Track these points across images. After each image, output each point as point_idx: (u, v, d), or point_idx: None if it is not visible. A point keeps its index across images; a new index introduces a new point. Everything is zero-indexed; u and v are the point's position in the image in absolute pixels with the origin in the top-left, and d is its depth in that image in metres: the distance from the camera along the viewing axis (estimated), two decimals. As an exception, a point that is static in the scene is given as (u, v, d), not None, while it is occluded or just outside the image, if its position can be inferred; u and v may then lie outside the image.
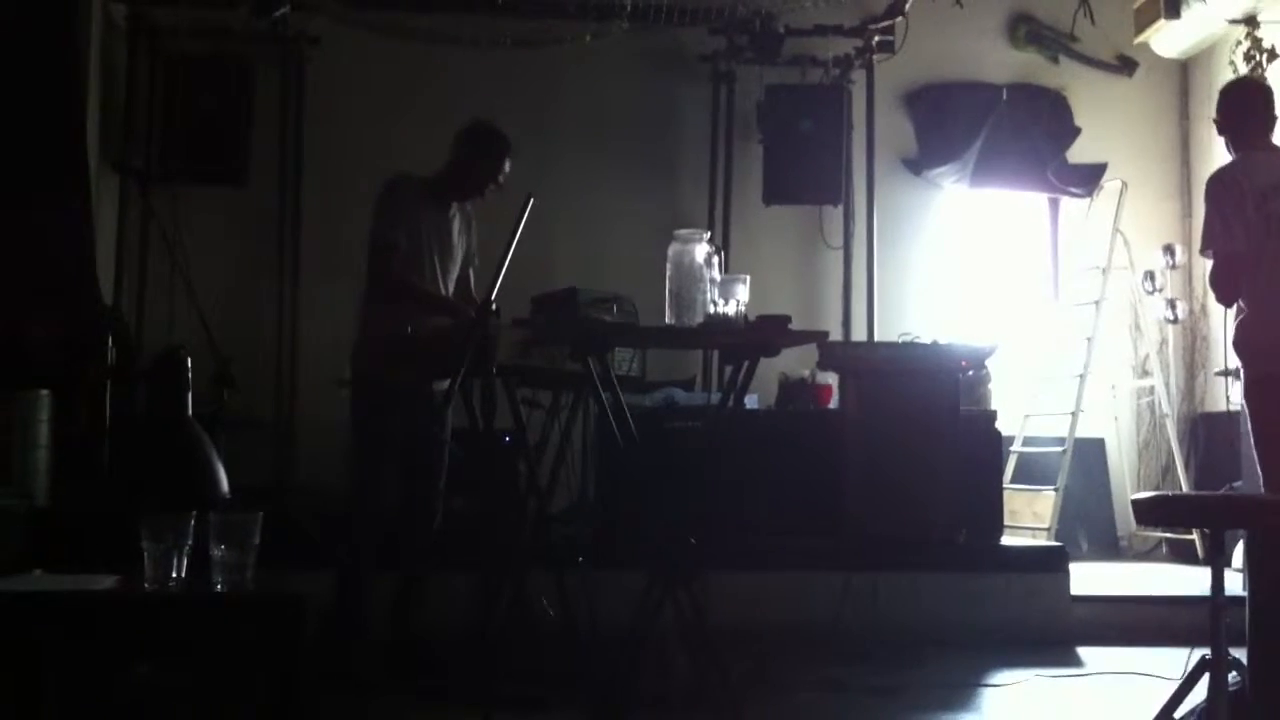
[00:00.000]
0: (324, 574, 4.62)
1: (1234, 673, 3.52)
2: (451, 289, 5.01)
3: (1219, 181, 4.56)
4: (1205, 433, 8.04)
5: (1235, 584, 3.65)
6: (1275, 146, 4.70)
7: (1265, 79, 5.49)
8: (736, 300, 4.21)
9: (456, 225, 5.02)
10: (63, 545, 4.19)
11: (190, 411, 4.78)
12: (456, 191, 5.00)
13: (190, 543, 2.84)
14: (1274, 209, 4.45)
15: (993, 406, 6.75)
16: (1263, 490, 4.49)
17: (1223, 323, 4.83)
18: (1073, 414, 7.77)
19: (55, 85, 6.10)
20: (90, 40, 6.69)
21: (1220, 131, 4.75)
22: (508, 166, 4.95)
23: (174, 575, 2.81)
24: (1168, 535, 7.82)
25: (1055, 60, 8.60)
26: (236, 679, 2.81)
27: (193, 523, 2.84)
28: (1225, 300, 4.60)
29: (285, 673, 2.79)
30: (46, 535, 4.48)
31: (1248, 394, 4.54)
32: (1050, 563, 6.05)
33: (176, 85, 7.40)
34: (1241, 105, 4.71)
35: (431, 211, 4.93)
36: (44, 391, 5.22)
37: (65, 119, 6.15)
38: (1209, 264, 4.63)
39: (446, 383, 4.73)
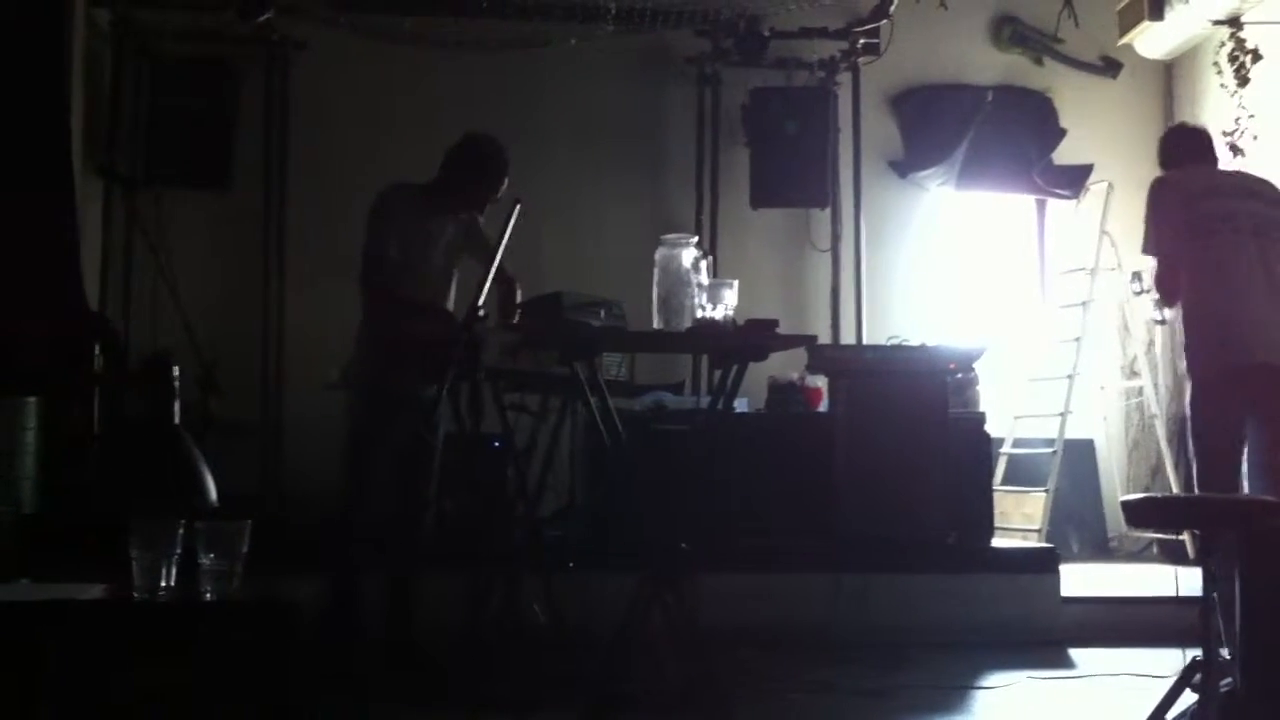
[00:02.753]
0: (316, 578, 4.61)
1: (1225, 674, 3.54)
2: (450, 298, 5.00)
3: (1155, 188, 4.89)
4: (1194, 433, 8.04)
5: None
6: (1213, 164, 4.99)
7: (1202, 126, 5.71)
8: (724, 305, 4.20)
9: (447, 234, 4.99)
10: (50, 553, 4.17)
11: (177, 418, 4.75)
12: (455, 205, 4.97)
13: (179, 551, 2.82)
14: (1205, 210, 4.74)
15: (982, 408, 6.75)
16: (1197, 487, 4.70)
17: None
18: (1062, 415, 7.78)
19: (39, 89, 6.07)
20: (74, 44, 6.64)
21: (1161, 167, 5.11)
22: (506, 184, 4.93)
23: (163, 584, 2.79)
24: (1158, 536, 7.83)
25: (1040, 62, 8.62)
26: (229, 687, 2.79)
27: (181, 531, 2.82)
28: (1166, 300, 4.95)
29: (278, 679, 2.78)
30: (34, 543, 4.45)
31: (1192, 390, 4.82)
32: (1041, 564, 6.06)
33: (161, 89, 7.38)
34: (1180, 148, 5.09)
35: (425, 220, 4.90)
36: (31, 398, 5.19)
37: (49, 123, 6.12)
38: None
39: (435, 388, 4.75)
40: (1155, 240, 4.83)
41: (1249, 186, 4.95)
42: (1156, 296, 5.05)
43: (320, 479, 5.36)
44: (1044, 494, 7.52)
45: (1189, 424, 4.88)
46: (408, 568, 4.86)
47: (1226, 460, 4.79)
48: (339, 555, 4.77)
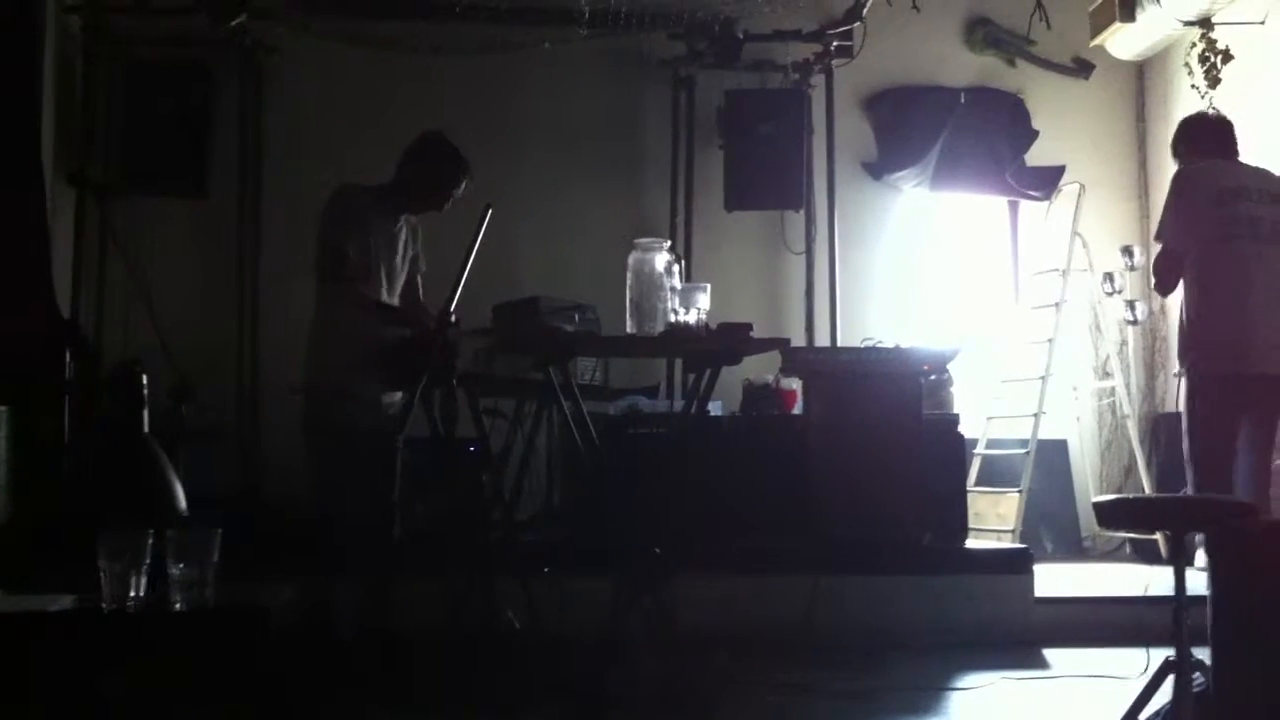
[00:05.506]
0: (292, 582, 4.58)
1: (1198, 673, 3.55)
2: (397, 299, 4.97)
3: (1183, 178, 4.98)
4: (1166, 433, 8.07)
5: (1197, 583, 3.69)
6: (1237, 157, 5.00)
7: (1220, 112, 5.72)
8: (697, 309, 4.22)
9: (403, 236, 4.98)
10: (19, 563, 4.14)
11: (147, 427, 4.72)
12: (414, 206, 4.95)
13: (148, 561, 2.81)
14: (1230, 213, 4.74)
15: (955, 409, 6.79)
16: (1191, 488, 4.73)
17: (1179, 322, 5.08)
18: (1035, 416, 7.81)
19: (10, 96, 6.03)
20: (45, 50, 6.60)
21: (1176, 156, 5.13)
22: (464, 186, 4.91)
23: (132, 594, 2.78)
24: (1131, 535, 7.86)
25: (1013, 63, 8.66)
26: (201, 694, 2.78)
27: (150, 541, 2.81)
28: (1163, 289, 5.05)
29: (251, 684, 2.77)
30: (3, 552, 4.42)
31: (1189, 391, 4.83)
32: (1014, 564, 6.06)
33: (134, 95, 7.34)
34: (1205, 140, 5.16)
35: (380, 222, 4.88)
36: (1, 406, 5.15)
37: (20, 130, 6.07)
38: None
39: (399, 394, 4.73)
40: (1170, 230, 4.92)
41: (1273, 190, 4.99)
42: (1152, 282, 5.11)
43: (298, 482, 5.35)
44: (1018, 494, 7.55)
45: (1184, 423, 4.92)
46: (381, 572, 4.82)
47: (1222, 460, 4.83)
48: (313, 564, 4.72)
